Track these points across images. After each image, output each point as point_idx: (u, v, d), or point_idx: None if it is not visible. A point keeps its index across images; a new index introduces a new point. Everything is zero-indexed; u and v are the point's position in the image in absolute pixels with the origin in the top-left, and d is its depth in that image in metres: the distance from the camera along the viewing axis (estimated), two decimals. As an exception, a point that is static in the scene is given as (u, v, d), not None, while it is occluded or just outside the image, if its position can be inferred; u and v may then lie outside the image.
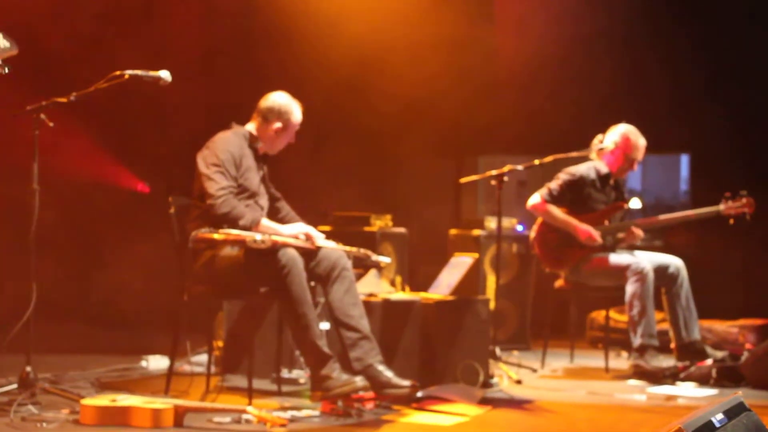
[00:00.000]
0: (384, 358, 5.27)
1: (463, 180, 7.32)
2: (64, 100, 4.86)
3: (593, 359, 7.25)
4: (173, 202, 5.46)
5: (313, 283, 5.38)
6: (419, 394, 5.30)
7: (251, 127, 5.58)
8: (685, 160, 11.84)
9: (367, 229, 7.46)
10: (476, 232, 7.84)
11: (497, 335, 6.73)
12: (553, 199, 6.71)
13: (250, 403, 4.93)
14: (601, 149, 6.72)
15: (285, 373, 5.85)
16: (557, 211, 6.69)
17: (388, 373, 5.18)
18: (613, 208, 6.77)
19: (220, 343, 6.11)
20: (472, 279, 6.66)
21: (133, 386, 5.60)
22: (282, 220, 5.64)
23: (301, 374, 5.87)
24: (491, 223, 7.78)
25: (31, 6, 7.90)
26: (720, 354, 6.44)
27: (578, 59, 9.17)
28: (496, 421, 5.05)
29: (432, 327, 5.80)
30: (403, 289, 6.76)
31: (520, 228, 8.10)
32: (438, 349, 5.80)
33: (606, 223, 6.72)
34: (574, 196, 6.72)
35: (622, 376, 6.51)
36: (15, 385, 4.85)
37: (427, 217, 9.28)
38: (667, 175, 13.61)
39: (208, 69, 9.15)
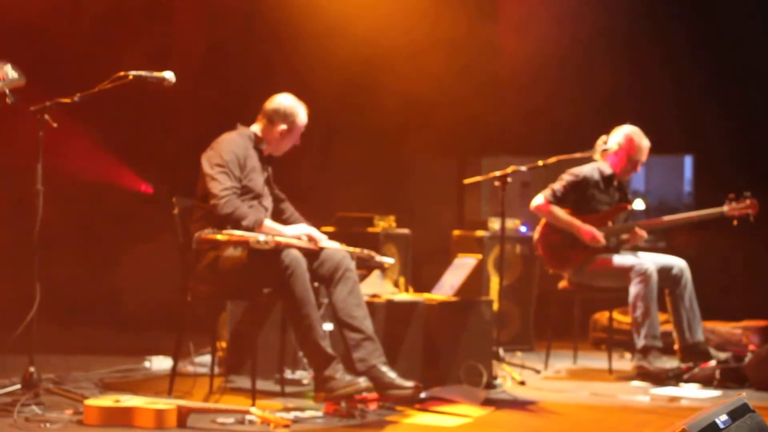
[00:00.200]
0: (387, 359, 5.27)
1: (467, 181, 7.32)
2: (68, 100, 4.86)
3: (596, 360, 7.24)
4: (177, 202, 5.46)
5: (316, 284, 5.38)
6: (422, 395, 5.30)
7: (256, 128, 5.59)
8: (688, 161, 11.85)
9: (370, 229, 7.45)
10: (480, 233, 7.83)
11: (500, 336, 6.72)
12: (557, 200, 6.71)
13: (253, 404, 4.93)
14: (605, 150, 6.71)
15: (288, 374, 5.85)
16: (561, 212, 6.69)
17: (392, 374, 5.17)
18: (616, 209, 6.76)
19: (224, 344, 6.11)
20: (476, 280, 6.66)
21: (137, 387, 5.60)
22: (286, 222, 5.64)
23: (304, 375, 5.87)
24: (495, 224, 7.77)
25: (34, 6, 7.91)
26: (723, 355, 6.44)
27: (581, 60, 9.18)
28: (500, 422, 5.05)
29: (435, 328, 5.80)
30: (406, 290, 6.76)
31: (523, 229, 8.09)
32: (441, 350, 5.80)
33: (609, 224, 6.71)
34: (578, 197, 6.72)
35: (625, 377, 6.51)
36: (18, 386, 4.86)
37: (431, 218, 9.27)
38: (671, 176, 13.61)
39: (214, 69, 9.16)
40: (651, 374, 6.30)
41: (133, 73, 4.94)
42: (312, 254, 5.33)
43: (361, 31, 8.94)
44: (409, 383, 5.17)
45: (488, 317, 6.10)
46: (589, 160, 6.81)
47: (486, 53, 9.40)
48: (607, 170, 6.75)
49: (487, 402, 5.41)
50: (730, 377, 6.12)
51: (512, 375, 6.23)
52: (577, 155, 6.64)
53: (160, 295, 7.26)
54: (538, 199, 6.74)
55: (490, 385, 5.82)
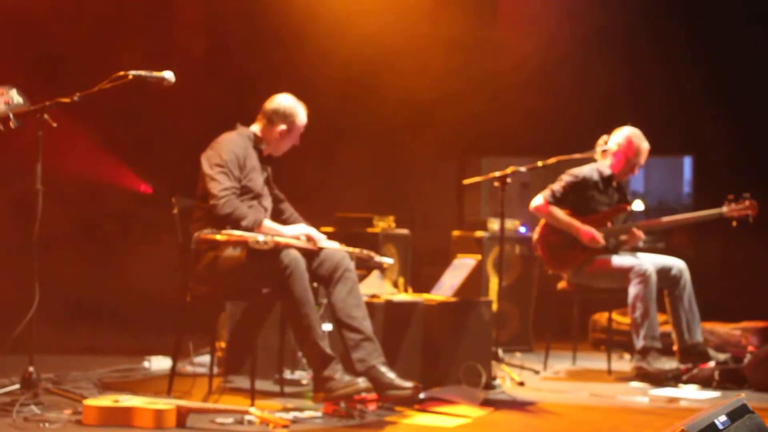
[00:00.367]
0: (386, 360, 5.27)
1: (466, 181, 7.32)
2: (67, 100, 4.86)
3: (596, 361, 7.25)
4: (176, 203, 5.46)
5: (315, 284, 5.38)
6: (422, 395, 5.30)
7: (256, 128, 5.59)
8: (688, 162, 11.83)
9: (370, 230, 7.46)
10: (479, 233, 7.84)
11: (500, 337, 6.73)
12: (556, 200, 6.71)
13: (252, 404, 4.93)
14: (605, 150, 6.72)
15: (287, 375, 5.85)
16: (560, 213, 6.69)
17: (391, 375, 5.17)
18: (615, 210, 6.77)
19: (223, 344, 6.11)
20: (475, 280, 6.66)
21: (136, 387, 5.60)
22: (286, 222, 5.65)
23: (303, 375, 5.88)
24: (494, 224, 7.78)
25: (35, 6, 7.91)
26: (722, 356, 6.44)
27: (581, 61, 9.18)
28: (499, 422, 5.05)
29: (434, 328, 5.80)
30: (405, 291, 6.76)
31: (522, 230, 8.10)
32: (440, 351, 5.80)
33: (609, 224, 6.72)
34: (577, 197, 6.72)
35: (624, 378, 6.51)
36: (18, 386, 4.85)
37: (430, 218, 9.28)
38: (670, 177, 13.59)
39: (214, 69, 9.16)
40: (650, 375, 6.30)
41: (132, 72, 4.94)
42: (311, 254, 5.33)
43: (361, 31, 8.95)
44: (408, 384, 5.17)
45: (487, 318, 6.10)
46: (589, 160, 6.81)
47: (485, 53, 9.41)
48: (606, 171, 6.75)
49: (486, 402, 5.41)
50: (729, 378, 6.12)
51: (511, 375, 6.23)
52: (577, 156, 6.64)
53: (160, 295, 7.26)
54: (538, 200, 6.74)
55: (489, 386, 5.82)
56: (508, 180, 6.54)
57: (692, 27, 8.94)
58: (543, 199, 6.72)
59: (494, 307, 6.59)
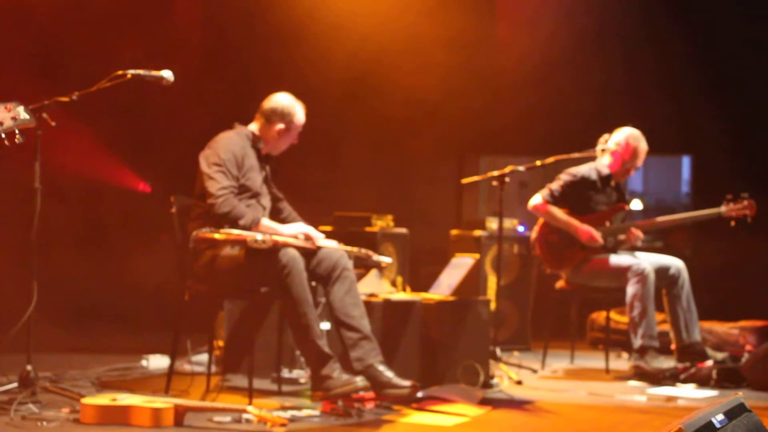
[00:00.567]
0: (384, 359, 5.27)
1: (465, 180, 7.32)
2: (66, 99, 4.86)
3: (594, 360, 7.25)
4: (175, 201, 5.46)
5: (313, 283, 5.39)
6: (420, 394, 5.30)
7: (254, 127, 5.59)
8: (686, 161, 11.82)
9: (368, 229, 7.46)
10: (477, 232, 7.84)
11: (498, 336, 6.73)
12: (555, 199, 6.71)
13: (250, 403, 4.93)
14: (604, 149, 6.72)
15: (285, 373, 5.85)
16: (558, 212, 6.69)
17: (389, 374, 5.18)
18: (614, 210, 6.77)
19: (221, 343, 6.11)
20: (473, 279, 6.67)
21: (134, 385, 5.60)
22: (284, 221, 5.64)
23: (301, 374, 5.88)
24: (492, 223, 7.78)
25: (35, 4, 7.91)
26: (720, 355, 6.44)
27: (580, 60, 9.18)
28: (497, 421, 5.05)
29: (433, 327, 5.80)
30: (403, 290, 6.76)
31: (521, 229, 8.10)
32: (438, 350, 5.80)
33: (607, 224, 6.72)
34: (575, 197, 6.72)
35: (622, 377, 6.51)
36: (15, 384, 4.86)
37: (429, 217, 9.28)
38: (669, 176, 13.59)
39: (214, 69, 9.16)
40: (648, 374, 6.31)
41: (131, 72, 4.94)
42: (309, 253, 5.33)
43: (360, 31, 8.96)
44: (406, 382, 5.18)
45: (485, 317, 6.10)
46: (587, 160, 6.81)
47: (484, 53, 9.41)
48: (605, 170, 6.75)
49: (484, 401, 5.41)
50: (727, 377, 6.13)
51: (509, 374, 6.23)
52: (575, 155, 6.64)
53: (158, 293, 7.26)
54: (536, 199, 6.74)
55: (487, 385, 5.82)
56: (507, 179, 6.54)
57: (690, 26, 8.94)
58: (541, 198, 6.72)
59: (492, 306, 6.59)
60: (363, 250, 5.59)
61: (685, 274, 6.60)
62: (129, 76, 4.94)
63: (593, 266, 6.66)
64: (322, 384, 5.06)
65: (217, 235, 5.09)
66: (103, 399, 4.59)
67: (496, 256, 7.01)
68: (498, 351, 6.45)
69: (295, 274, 5.10)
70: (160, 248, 7.04)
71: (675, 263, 6.63)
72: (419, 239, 7.98)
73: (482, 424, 4.95)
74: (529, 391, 5.95)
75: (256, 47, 9.22)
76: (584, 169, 6.77)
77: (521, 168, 6.59)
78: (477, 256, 6.71)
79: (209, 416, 4.68)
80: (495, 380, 5.96)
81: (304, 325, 5.12)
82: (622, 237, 6.71)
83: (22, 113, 4.05)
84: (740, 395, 3.07)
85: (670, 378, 6.25)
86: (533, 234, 6.90)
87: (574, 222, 6.65)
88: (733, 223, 6.57)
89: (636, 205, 10.95)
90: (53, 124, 4.87)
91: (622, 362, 7.12)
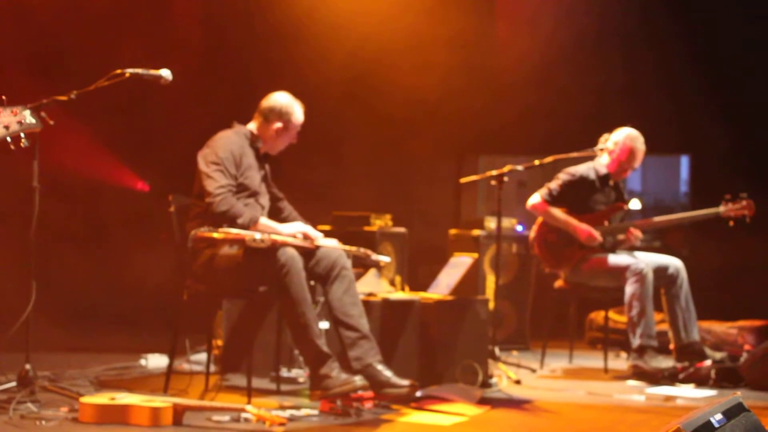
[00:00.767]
0: (383, 358, 5.27)
1: (463, 180, 7.32)
2: (64, 98, 4.85)
3: (592, 360, 7.25)
4: (173, 201, 5.46)
5: (312, 282, 5.39)
6: (418, 393, 5.30)
7: (252, 126, 5.59)
8: (685, 161, 11.86)
9: (367, 228, 7.46)
10: (476, 232, 7.84)
11: (496, 335, 6.73)
12: (553, 199, 6.71)
13: (249, 402, 4.93)
14: (602, 149, 6.72)
15: (284, 372, 5.85)
16: (557, 211, 6.69)
17: (387, 373, 5.18)
18: (612, 209, 6.77)
19: (220, 342, 6.11)
20: (472, 279, 6.66)
21: (133, 384, 5.60)
22: (285, 221, 5.63)
23: (300, 373, 5.88)
24: (491, 223, 7.78)
25: (35, 4, 7.91)
26: (719, 355, 6.45)
27: (579, 60, 9.19)
28: (495, 421, 5.05)
29: (431, 327, 5.80)
30: (402, 289, 6.76)
31: (519, 228, 8.10)
32: (437, 349, 5.80)
33: (606, 223, 6.72)
34: (574, 196, 6.72)
35: (621, 376, 6.52)
36: (14, 383, 4.85)
37: (427, 216, 9.28)
38: (667, 176, 13.62)
39: (214, 68, 9.16)
40: (646, 374, 6.31)
41: (129, 70, 4.94)
42: (308, 252, 5.33)
43: (359, 30, 8.96)
44: (405, 382, 5.18)
45: (484, 316, 6.10)
46: (586, 159, 6.81)
47: (483, 52, 9.41)
48: (603, 170, 6.76)
49: (483, 401, 5.41)
50: (725, 377, 6.13)
51: (508, 374, 6.23)
52: (574, 154, 6.64)
53: (157, 292, 7.26)
54: (535, 198, 6.74)
55: (485, 384, 5.82)
56: (505, 178, 6.54)
57: (690, 27, 8.94)
58: (540, 198, 6.72)
59: (491, 305, 6.59)
60: (362, 250, 5.59)
61: (683, 274, 6.60)
62: (127, 75, 4.93)
63: (592, 266, 6.66)
64: (320, 383, 5.06)
65: (215, 234, 5.09)
66: (102, 398, 4.59)
67: (494, 255, 7.00)
68: (497, 350, 6.45)
69: (293, 274, 5.10)
70: (159, 247, 7.04)
71: (673, 263, 6.63)
72: (418, 239, 7.99)
73: (481, 423, 4.95)
74: (527, 390, 5.95)
75: (256, 46, 9.21)
76: (583, 169, 6.77)
77: (520, 167, 6.58)
78: (475, 255, 6.71)
79: (208, 415, 4.68)
80: (494, 380, 5.96)
81: (302, 325, 5.12)
82: (620, 237, 6.71)
83: (28, 117, 4.06)
84: (739, 395, 3.07)
85: (669, 377, 6.25)
86: (532, 233, 6.90)
87: (573, 221, 6.65)
88: (731, 223, 6.58)
89: (635, 204, 10.97)
90: (52, 122, 4.86)
91: (620, 362, 7.12)
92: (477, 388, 5.68)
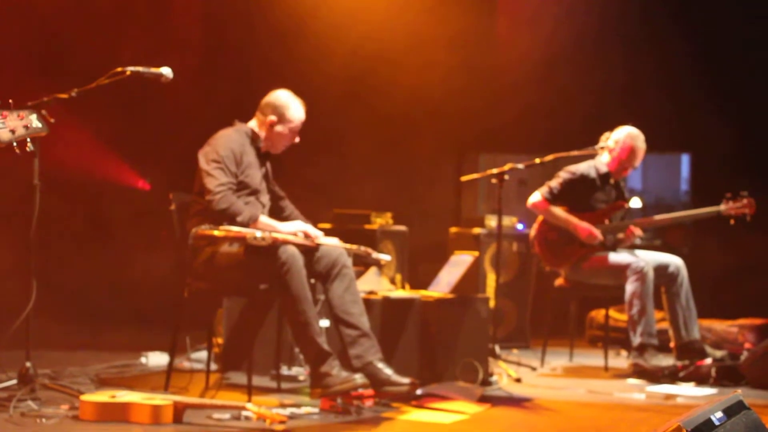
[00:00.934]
0: (384, 356, 5.27)
1: (464, 178, 7.32)
2: (65, 96, 4.85)
3: (593, 358, 7.25)
4: (174, 198, 5.46)
5: (313, 281, 5.39)
6: (419, 391, 5.30)
7: (253, 124, 5.59)
8: (685, 159, 11.85)
9: (367, 226, 7.46)
10: (476, 230, 7.84)
11: (497, 333, 6.73)
12: (554, 197, 6.71)
13: (249, 400, 4.93)
14: (603, 147, 6.72)
15: (285, 370, 5.85)
16: (558, 210, 6.69)
17: (388, 371, 5.18)
18: (613, 207, 6.77)
19: (220, 340, 6.11)
20: (472, 277, 6.66)
21: (133, 382, 5.60)
22: (286, 219, 5.62)
23: (300, 371, 5.88)
24: (491, 221, 7.78)
25: (37, 2, 7.91)
26: (719, 353, 6.45)
27: (579, 58, 9.18)
28: (495, 419, 5.06)
29: (432, 325, 5.81)
30: (403, 287, 6.76)
31: (520, 226, 8.10)
32: (437, 347, 5.80)
33: (606, 222, 6.72)
34: (575, 194, 6.72)
35: (621, 374, 6.52)
36: (15, 381, 4.86)
37: (428, 215, 9.28)
38: (668, 174, 13.61)
39: (215, 66, 9.16)
40: (647, 372, 6.31)
41: (130, 68, 4.94)
42: (309, 251, 5.33)
43: (359, 29, 8.95)
44: (405, 380, 5.18)
45: (485, 314, 6.10)
46: (587, 157, 6.81)
47: (483, 51, 9.41)
48: (603, 168, 6.75)
49: (483, 399, 5.41)
50: (725, 375, 6.13)
51: (508, 372, 6.24)
52: (575, 153, 6.64)
53: (157, 290, 7.26)
54: (535, 197, 6.74)
55: (486, 382, 5.82)
56: (506, 177, 6.54)
57: (690, 25, 8.94)
58: (540, 196, 6.72)
59: (491, 303, 6.59)
60: (362, 248, 5.59)
61: (684, 272, 6.60)
62: (128, 73, 4.93)
63: (592, 264, 6.66)
64: (321, 381, 5.06)
65: (216, 232, 5.09)
66: (103, 396, 4.60)
67: (495, 253, 7.00)
68: (497, 348, 6.45)
69: (294, 272, 5.10)
70: (160, 245, 7.04)
71: (674, 261, 6.63)
72: (418, 237, 7.99)
73: (481, 421, 4.95)
74: (528, 388, 5.95)
75: (257, 45, 9.21)
76: (583, 167, 6.77)
77: (520, 166, 6.58)
78: (476, 253, 6.70)
79: (208, 413, 4.69)
80: (494, 378, 5.96)
81: (303, 323, 5.12)
82: (621, 235, 6.71)
83: (34, 121, 4.05)
84: (739, 393, 3.07)
85: (669, 376, 6.25)
86: (532, 232, 6.90)
87: (574, 219, 6.65)
88: (732, 222, 6.58)
89: (635, 203, 10.95)
90: (52, 120, 4.85)
91: (621, 360, 7.12)
92: (477, 386, 5.68)
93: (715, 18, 8.85)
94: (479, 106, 9.27)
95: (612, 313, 7.40)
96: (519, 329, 7.97)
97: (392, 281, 6.97)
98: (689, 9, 8.92)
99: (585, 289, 6.85)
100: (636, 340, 6.44)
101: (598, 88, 9.04)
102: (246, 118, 5.60)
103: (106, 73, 4.92)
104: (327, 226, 7.04)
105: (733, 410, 2.96)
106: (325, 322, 5.48)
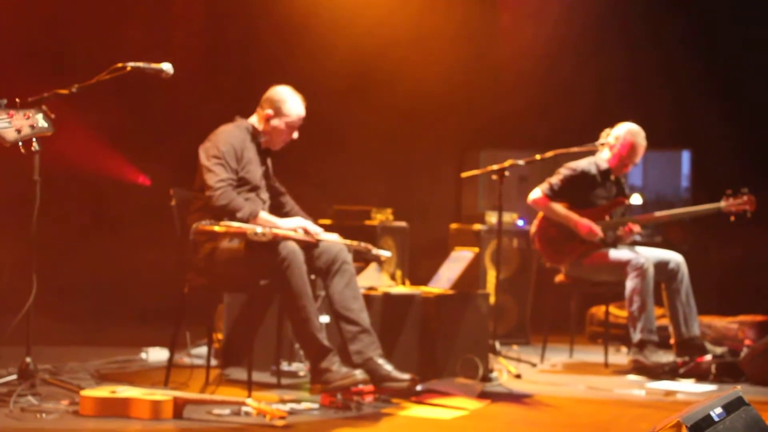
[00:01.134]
0: (384, 352, 5.28)
1: (464, 174, 7.31)
2: (65, 91, 4.85)
3: (593, 354, 7.26)
4: (175, 194, 5.46)
5: (313, 277, 5.39)
6: (418, 387, 5.31)
7: (254, 120, 5.59)
8: (686, 156, 11.83)
9: (367, 222, 7.46)
10: (477, 226, 7.84)
11: (497, 329, 6.73)
12: (554, 193, 6.71)
13: (249, 396, 4.93)
14: (603, 143, 6.72)
15: (285, 366, 5.85)
16: (558, 206, 6.69)
17: (388, 367, 5.18)
18: (613, 204, 6.77)
19: (220, 336, 6.12)
20: (473, 273, 6.67)
21: (133, 378, 5.61)
22: (287, 215, 5.63)
23: (300, 367, 5.88)
24: (492, 217, 7.78)
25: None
26: (719, 350, 6.45)
27: (580, 55, 9.18)
28: (495, 415, 5.06)
29: (432, 321, 5.81)
30: (403, 283, 6.77)
31: (520, 223, 8.10)
32: (438, 343, 5.80)
33: (607, 218, 6.72)
34: (575, 191, 6.72)
35: (621, 371, 6.52)
36: (15, 376, 4.86)
37: (428, 211, 9.28)
38: (668, 171, 13.59)
39: (216, 62, 9.16)
40: (647, 368, 6.31)
41: (130, 64, 4.93)
42: (309, 246, 5.33)
43: (361, 25, 8.95)
44: (405, 376, 5.18)
45: (485, 310, 6.10)
46: (587, 154, 6.81)
47: (484, 47, 9.41)
48: (604, 165, 6.75)
49: (483, 395, 5.42)
50: (725, 372, 6.13)
51: (508, 368, 6.24)
52: (575, 149, 6.64)
53: (158, 286, 7.26)
54: (536, 193, 6.74)
55: (486, 378, 5.82)
56: (506, 173, 6.54)
57: (691, 22, 8.93)
58: (541, 193, 6.72)
59: (492, 299, 6.60)
60: (362, 244, 5.59)
61: (684, 269, 6.60)
62: (128, 68, 4.93)
63: (593, 260, 6.66)
64: (321, 377, 5.06)
65: (216, 228, 5.09)
66: (103, 391, 4.60)
67: (495, 249, 7.00)
68: (497, 345, 6.45)
69: (294, 267, 5.10)
70: (160, 241, 7.04)
71: (674, 258, 6.63)
72: (419, 233, 7.99)
73: (481, 417, 4.95)
74: (528, 384, 5.95)
75: (259, 40, 9.21)
76: (584, 164, 6.77)
77: (521, 162, 6.59)
78: (476, 249, 6.71)
79: (208, 409, 4.69)
80: (494, 374, 5.97)
81: (303, 318, 5.12)
82: (621, 232, 6.71)
83: (40, 121, 4.04)
84: (739, 389, 3.07)
85: (669, 372, 6.26)
86: (533, 228, 6.90)
87: (574, 216, 6.65)
88: (732, 218, 6.58)
89: (636, 199, 10.95)
90: (53, 116, 4.85)
91: (621, 356, 7.13)
92: (477, 382, 5.68)
93: (717, 15, 8.85)
94: (480, 102, 9.27)
95: (612, 309, 7.41)
96: (519, 325, 7.98)
97: (392, 277, 6.98)
98: (691, 5, 8.91)
99: (585, 286, 6.85)
100: (636, 336, 6.44)
101: (599, 85, 9.04)
102: (247, 114, 5.60)
103: (107, 68, 4.92)
104: (327, 222, 7.04)
105: (732, 406, 2.96)
106: (325, 318, 5.48)
